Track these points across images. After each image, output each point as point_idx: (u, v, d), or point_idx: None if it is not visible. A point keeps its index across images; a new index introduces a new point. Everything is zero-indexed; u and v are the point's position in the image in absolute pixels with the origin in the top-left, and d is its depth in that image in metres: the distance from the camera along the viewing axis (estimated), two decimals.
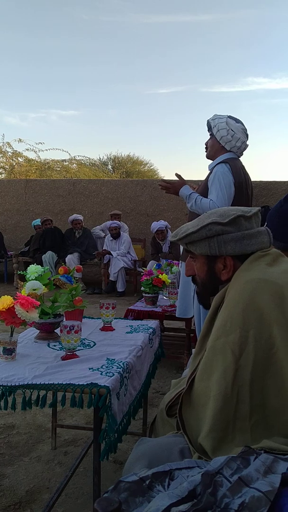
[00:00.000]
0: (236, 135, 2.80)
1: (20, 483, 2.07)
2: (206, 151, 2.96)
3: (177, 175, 2.97)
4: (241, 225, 1.29)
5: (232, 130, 2.79)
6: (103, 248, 7.56)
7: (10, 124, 27.36)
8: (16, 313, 1.64)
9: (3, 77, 27.71)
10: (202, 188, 2.87)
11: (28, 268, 2.01)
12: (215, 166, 2.81)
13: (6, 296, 1.68)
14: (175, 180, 2.96)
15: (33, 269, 1.97)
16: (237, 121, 2.86)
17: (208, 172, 2.91)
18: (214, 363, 1.17)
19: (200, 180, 3.03)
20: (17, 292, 1.76)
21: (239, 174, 2.79)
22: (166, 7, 28.36)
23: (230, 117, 2.85)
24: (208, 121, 2.89)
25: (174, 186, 2.92)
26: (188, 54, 32.03)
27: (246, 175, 2.89)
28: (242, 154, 2.93)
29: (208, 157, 2.95)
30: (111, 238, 7.52)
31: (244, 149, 2.89)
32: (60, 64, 29.25)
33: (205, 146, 2.95)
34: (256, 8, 28.51)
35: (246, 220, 1.30)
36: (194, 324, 3.10)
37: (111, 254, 7.32)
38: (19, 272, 2.24)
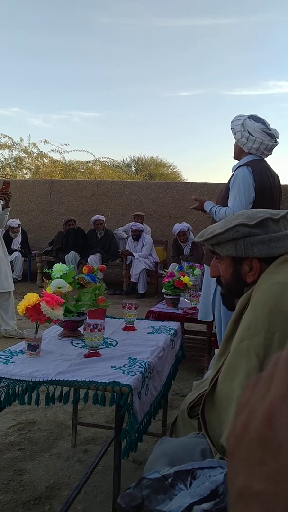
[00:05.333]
0: (252, 137, 2.73)
1: (40, 478, 2.09)
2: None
3: (194, 199, 3.12)
4: (269, 228, 1.28)
5: (248, 132, 2.74)
6: (125, 249, 7.60)
7: (33, 125, 27.76)
8: (42, 310, 1.67)
9: (26, 79, 28.24)
10: (225, 190, 2.86)
11: (54, 266, 2.04)
12: (236, 168, 2.79)
13: (32, 293, 1.71)
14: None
15: (59, 268, 2.01)
16: (257, 120, 2.77)
17: (231, 173, 2.90)
18: (238, 366, 1.17)
19: (223, 183, 3.03)
20: (43, 290, 1.79)
21: (261, 176, 2.74)
22: (186, 10, 28.40)
23: (251, 116, 2.78)
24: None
25: (200, 206, 3.05)
26: (208, 57, 31.92)
27: (272, 176, 2.84)
28: (270, 154, 2.85)
29: (235, 158, 2.95)
30: (133, 240, 7.56)
31: (268, 149, 2.79)
32: (81, 67, 29.53)
33: (234, 148, 2.95)
34: (276, 11, 28.14)
35: (274, 223, 1.29)
36: (215, 328, 3.09)
37: (133, 256, 7.36)
38: (44, 271, 2.28)
